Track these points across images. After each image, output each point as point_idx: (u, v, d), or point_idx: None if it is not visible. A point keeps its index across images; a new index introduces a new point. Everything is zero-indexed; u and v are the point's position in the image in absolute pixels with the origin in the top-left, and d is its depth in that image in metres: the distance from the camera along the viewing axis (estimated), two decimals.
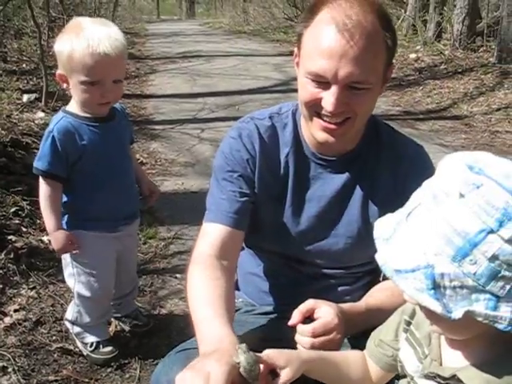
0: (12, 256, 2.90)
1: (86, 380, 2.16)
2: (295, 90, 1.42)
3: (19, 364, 2.20)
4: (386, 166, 1.46)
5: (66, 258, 2.19)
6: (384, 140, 1.49)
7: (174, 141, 5.51)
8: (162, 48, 12.92)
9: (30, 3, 6.42)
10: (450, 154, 0.89)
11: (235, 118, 1.59)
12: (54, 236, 2.08)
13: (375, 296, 1.42)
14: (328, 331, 1.25)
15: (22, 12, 8.96)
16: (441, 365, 0.98)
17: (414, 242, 0.84)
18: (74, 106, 2.07)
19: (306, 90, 1.33)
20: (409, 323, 1.08)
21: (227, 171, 1.46)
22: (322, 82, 1.29)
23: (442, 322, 0.88)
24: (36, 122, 5.07)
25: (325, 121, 1.34)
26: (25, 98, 5.77)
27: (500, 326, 0.81)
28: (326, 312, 1.27)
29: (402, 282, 0.84)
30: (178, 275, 2.94)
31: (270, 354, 1.08)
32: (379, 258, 0.88)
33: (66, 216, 2.12)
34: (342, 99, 1.29)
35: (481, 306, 0.81)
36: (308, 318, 1.28)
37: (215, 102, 7.20)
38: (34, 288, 2.71)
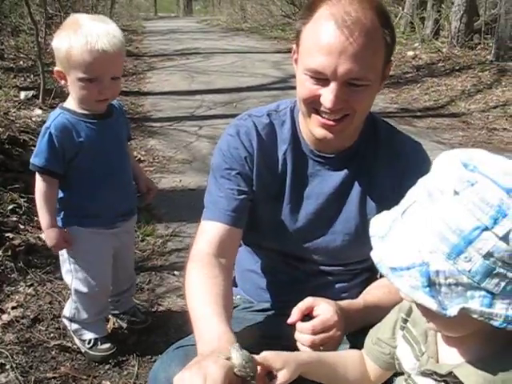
0: (9, 253, 2.90)
1: (84, 377, 2.17)
2: (293, 88, 1.42)
3: (17, 361, 2.20)
4: (384, 163, 1.46)
5: (63, 255, 2.19)
6: (382, 137, 1.49)
7: (171, 138, 5.51)
8: (160, 45, 12.90)
9: (27, 0, 6.40)
10: (446, 151, 0.89)
11: (233, 116, 1.59)
12: (48, 233, 2.09)
13: (373, 293, 1.43)
14: (328, 328, 1.25)
15: (19, 9, 8.95)
16: (437, 362, 0.98)
17: (408, 240, 0.84)
18: (71, 103, 2.06)
19: (305, 86, 1.33)
20: (405, 321, 1.08)
21: (225, 169, 1.46)
22: (321, 79, 1.29)
23: (438, 320, 0.88)
24: (33, 119, 5.06)
25: (323, 117, 1.34)
26: (22, 95, 5.76)
27: (495, 323, 0.81)
28: (325, 309, 1.27)
29: (397, 279, 0.84)
30: (175, 272, 2.94)
31: (266, 355, 1.08)
32: (374, 255, 0.88)
33: (63, 212, 2.13)
34: (341, 96, 1.29)
35: (476, 303, 0.81)
36: (307, 316, 1.28)
37: (213, 99, 7.19)
38: (31, 285, 2.72)
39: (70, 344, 2.32)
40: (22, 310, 2.53)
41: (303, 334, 1.25)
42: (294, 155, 1.47)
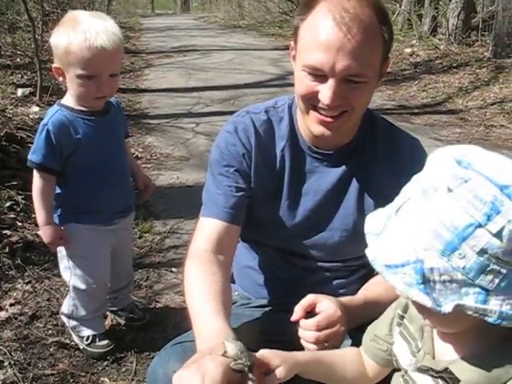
0: (7, 250, 2.90)
1: (83, 374, 2.17)
2: (291, 85, 1.42)
3: (15, 358, 2.20)
4: (381, 160, 1.47)
5: (61, 252, 2.19)
6: (380, 133, 1.49)
7: (169, 135, 5.51)
8: (157, 42, 12.89)
9: None
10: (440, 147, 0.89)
11: (230, 113, 1.59)
12: (44, 230, 2.09)
13: (372, 289, 1.43)
14: (332, 324, 1.25)
15: (16, 6, 8.92)
16: (434, 358, 0.98)
17: (403, 237, 0.84)
18: (69, 100, 2.06)
19: (303, 83, 1.33)
20: (402, 317, 1.08)
21: (223, 166, 1.46)
22: (319, 75, 1.29)
23: (433, 316, 0.89)
24: (31, 116, 5.05)
25: (321, 114, 1.34)
26: (19, 92, 5.75)
27: (490, 320, 0.81)
28: (327, 305, 1.27)
29: (391, 277, 0.84)
30: (173, 269, 2.94)
31: (264, 353, 1.08)
32: (369, 253, 0.88)
33: (61, 209, 2.13)
34: (339, 92, 1.29)
35: (470, 299, 0.81)
36: (309, 313, 1.28)
37: (210, 96, 7.19)
38: (29, 282, 2.72)
39: (68, 341, 2.33)
40: (19, 307, 2.53)
41: (307, 331, 1.25)
42: (292, 152, 1.47)
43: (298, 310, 1.27)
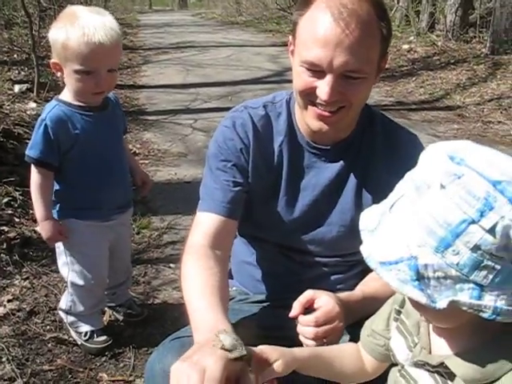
0: (5, 246, 2.90)
1: (81, 369, 2.17)
2: (288, 81, 1.42)
3: (13, 354, 2.20)
4: (379, 155, 1.47)
5: (59, 247, 2.19)
6: (378, 129, 1.49)
7: (166, 131, 5.51)
8: (155, 39, 12.85)
9: None
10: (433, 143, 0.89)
11: (228, 109, 1.59)
12: (43, 225, 2.09)
13: (370, 285, 1.43)
14: (330, 320, 1.25)
15: (13, 1, 8.88)
16: (430, 353, 0.98)
17: (397, 234, 0.84)
18: (67, 95, 2.06)
19: (301, 78, 1.33)
20: (399, 312, 1.08)
21: (221, 160, 1.46)
22: (317, 71, 1.29)
23: (429, 312, 0.89)
24: (28, 112, 5.04)
25: (319, 109, 1.34)
26: (16, 88, 5.73)
27: (484, 315, 0.81)
28: (326, 301, 1.27)
29: (386, 273, 0.84)
30: (171, 265, 2.95)
31: (263, 348, 1.08)
32: (364, 249, 0.88)
33: (59, 205, 2.13)
34: (337, 88, 1.29)
35: (465, 295, 0.81)
36: (307, 309, 1.28)
37: (208, 92, 7.18)
38: (27, 278, 2.72)
39: (66, 336, 2.33)
40: (17, 302, 2.53)
41: (306, 327, 1.25)
42: (290, 147, 1.47)
43: (297, 306, 1.27)
